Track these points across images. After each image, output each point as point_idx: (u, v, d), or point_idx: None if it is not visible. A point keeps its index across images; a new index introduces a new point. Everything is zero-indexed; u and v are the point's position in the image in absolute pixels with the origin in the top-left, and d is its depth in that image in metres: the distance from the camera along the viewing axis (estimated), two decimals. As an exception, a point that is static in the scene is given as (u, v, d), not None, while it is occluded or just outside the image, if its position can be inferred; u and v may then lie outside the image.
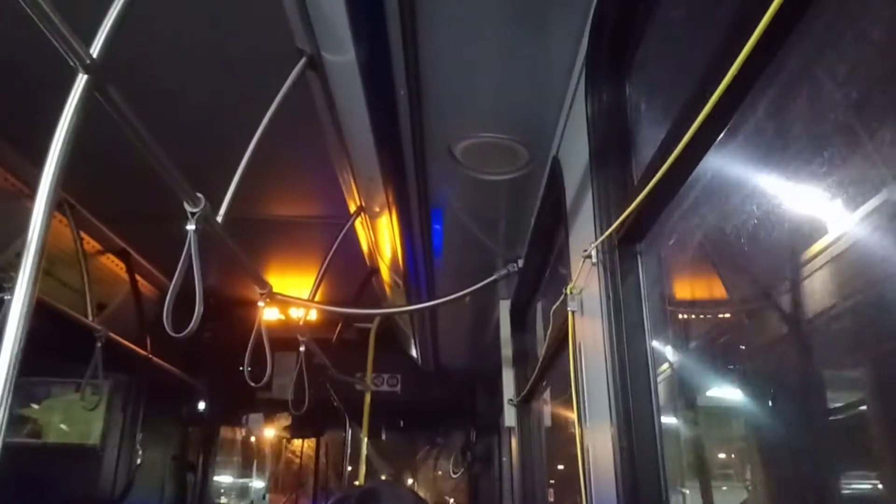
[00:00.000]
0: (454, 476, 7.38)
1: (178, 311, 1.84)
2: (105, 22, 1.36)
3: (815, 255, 1.07)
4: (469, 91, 2.15)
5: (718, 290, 1.53)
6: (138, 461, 4.97)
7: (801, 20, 0.94)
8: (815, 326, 1.11)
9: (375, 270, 4.33)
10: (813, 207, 1.11)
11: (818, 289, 1.09)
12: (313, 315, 5.00)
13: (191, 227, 1.87)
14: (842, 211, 1.01)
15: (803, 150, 1.12)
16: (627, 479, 1.44)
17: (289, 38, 2.09)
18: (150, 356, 4.60)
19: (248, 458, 8.22)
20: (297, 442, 7.72)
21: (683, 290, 1.60)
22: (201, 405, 5.88)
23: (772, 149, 1.20)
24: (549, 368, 2.87)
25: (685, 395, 1.57)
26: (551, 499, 3.44)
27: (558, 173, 2.23)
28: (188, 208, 1.86)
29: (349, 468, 6.87)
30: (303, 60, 2.15)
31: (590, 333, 1.75)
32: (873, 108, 0.94)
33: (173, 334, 1.89)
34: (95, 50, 1.32)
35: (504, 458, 4.94)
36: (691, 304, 1.59)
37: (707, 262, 1.50)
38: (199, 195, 1.86)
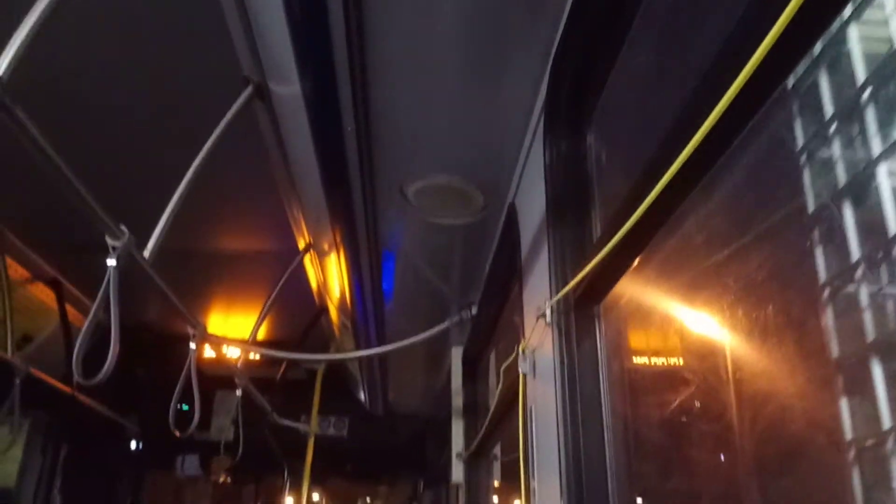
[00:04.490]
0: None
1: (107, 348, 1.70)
2: (12, 41, 1.23)
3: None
4: (422, 131, 2.03)
5: (676, 359, 1.42)
6: (57, 508, 4.60)
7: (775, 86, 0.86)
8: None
9: (324, 309, 4.15)
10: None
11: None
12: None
13: (111, 262, 1.74)
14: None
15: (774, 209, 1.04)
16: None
17: (235, 65, 1.98)
18: (76, 394, 4.29)
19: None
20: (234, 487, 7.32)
21: (643, 355, 1.48)
22: (132, 445, 5.50)
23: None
24: (499, 425, 2.73)
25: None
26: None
27: (514, 221, 2.12)
28: (109, 241, 1.72)
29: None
30: (249, 89, 2.03)
31: (542, 399, 1.62)
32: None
33: (82, 381, 1.72)
34: (0, 69, 1.19)
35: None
36: (651, 372, 1.48)
37: (667, 328, 1.40)
38: (123, 228, 1.73)
